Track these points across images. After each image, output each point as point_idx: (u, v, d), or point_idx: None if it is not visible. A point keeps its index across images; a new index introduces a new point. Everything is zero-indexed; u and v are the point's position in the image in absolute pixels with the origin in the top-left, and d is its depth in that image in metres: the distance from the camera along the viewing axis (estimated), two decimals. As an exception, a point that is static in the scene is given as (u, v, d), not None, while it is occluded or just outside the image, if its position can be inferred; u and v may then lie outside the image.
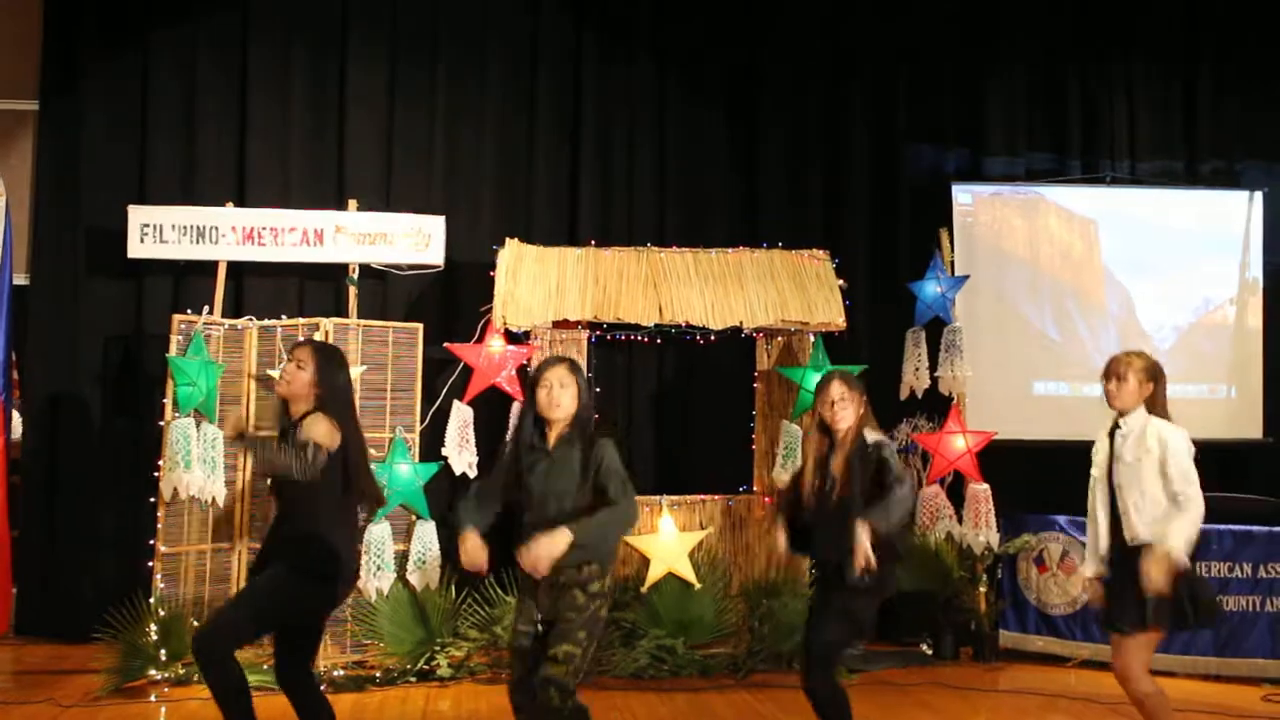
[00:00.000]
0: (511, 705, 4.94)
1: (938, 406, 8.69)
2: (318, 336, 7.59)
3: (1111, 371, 5.50)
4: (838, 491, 5.32)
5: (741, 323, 7.96)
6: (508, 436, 7.66)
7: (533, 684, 4.80)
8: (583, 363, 7.99)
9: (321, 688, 7.01)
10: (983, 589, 8.33)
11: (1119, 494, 5.39)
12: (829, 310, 8.07)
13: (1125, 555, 5.34)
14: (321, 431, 5.07)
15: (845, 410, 5.41)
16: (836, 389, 5.43)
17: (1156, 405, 5.45)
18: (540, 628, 4.93)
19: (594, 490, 4.86)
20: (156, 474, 7.54)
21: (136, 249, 8.04)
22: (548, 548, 4.70)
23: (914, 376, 8.73)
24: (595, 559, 4.86)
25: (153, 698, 7.02)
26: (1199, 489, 5.30)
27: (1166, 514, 5.25)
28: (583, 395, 5.01)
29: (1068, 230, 9.46)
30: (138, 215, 8.06)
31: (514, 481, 5.03)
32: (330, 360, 5.32)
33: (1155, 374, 5.48)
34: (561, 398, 4.95)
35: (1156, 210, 9.49)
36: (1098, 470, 5.52)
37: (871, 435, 5.39)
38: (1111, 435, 5.48)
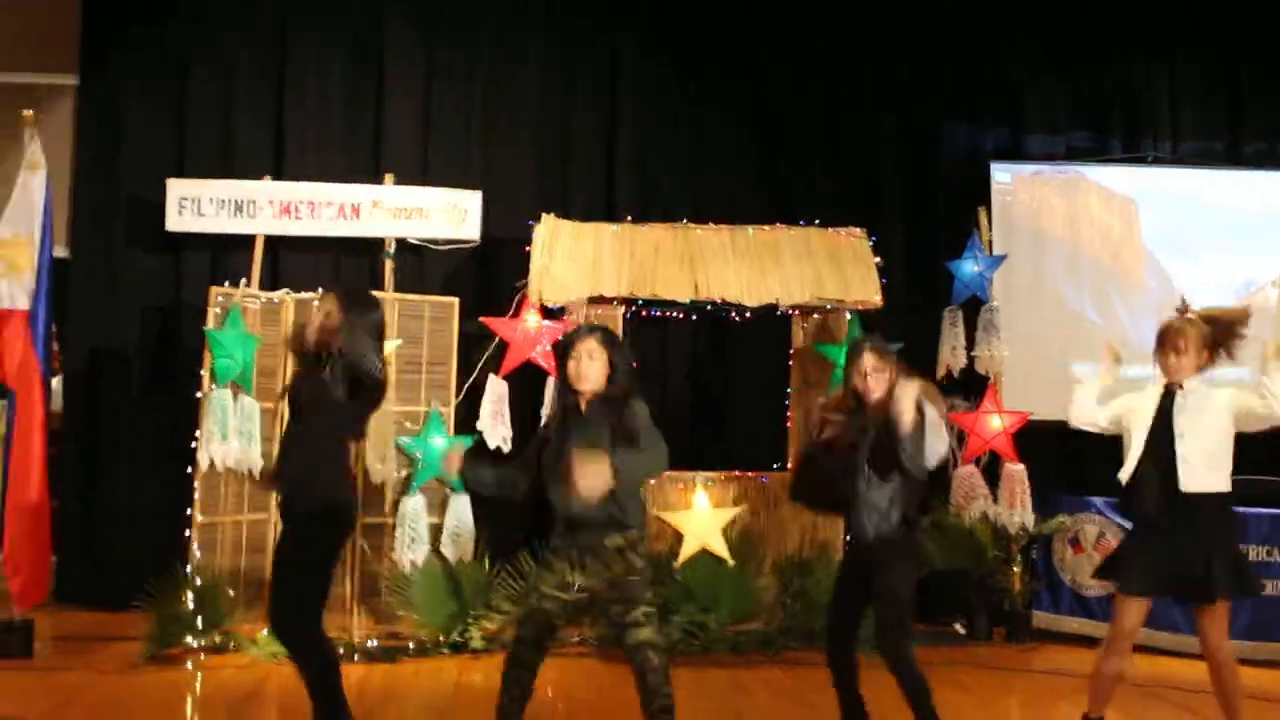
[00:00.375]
0: (510, 664, 5.05)
1: (974, 386, 8.65)
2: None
3: (1170, 344, 5.38)
4: (870, 456, 5.22)
5: (777, 300, 7.94)
6: (544, 412, 7.71)
7: (546, 645, 4.99)
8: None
9: (354, 658, 7.16)
10: (1017, 569, 8.30)
11: (1177, 443, 5.26)
12: (865, 288, 8.04)
13: (1180, 512, 5.24)
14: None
15: (879, 381, 5.30)
16: (870, 359, 5.32)
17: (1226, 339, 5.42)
18: (577, 594, 4.94)
19: (624, 440, 4.79)
20: (194, 445, 7.60)
21: (175, 222, 8.09)
22: (596, 468, 4.61)
23: (951, 356, 8.68)
24: (632, 524, 4.90)
25: (189, 665, 7.10)
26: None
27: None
28: (616, 367, 4.97)
29: (1107, 210, 9.37)
30: (176, 189, 8.11)
31: (544, 453, 5.02)
32: (358, 301, 5.32)
33: (1210, 341, 5.40)
34: (590, 370, 4.94)
35: (1198, 190, 9.40)
36: (1138, 418, 5.40)
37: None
38: (1168, 399, 5.37)
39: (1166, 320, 5.51)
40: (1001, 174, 9.25)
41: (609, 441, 4.79)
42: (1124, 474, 5.40)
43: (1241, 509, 7.56)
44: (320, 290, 7.95)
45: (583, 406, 4.99)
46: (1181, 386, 5.38)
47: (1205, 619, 5.31)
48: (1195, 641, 7.49)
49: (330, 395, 5.05)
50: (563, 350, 5.08)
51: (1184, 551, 5.23)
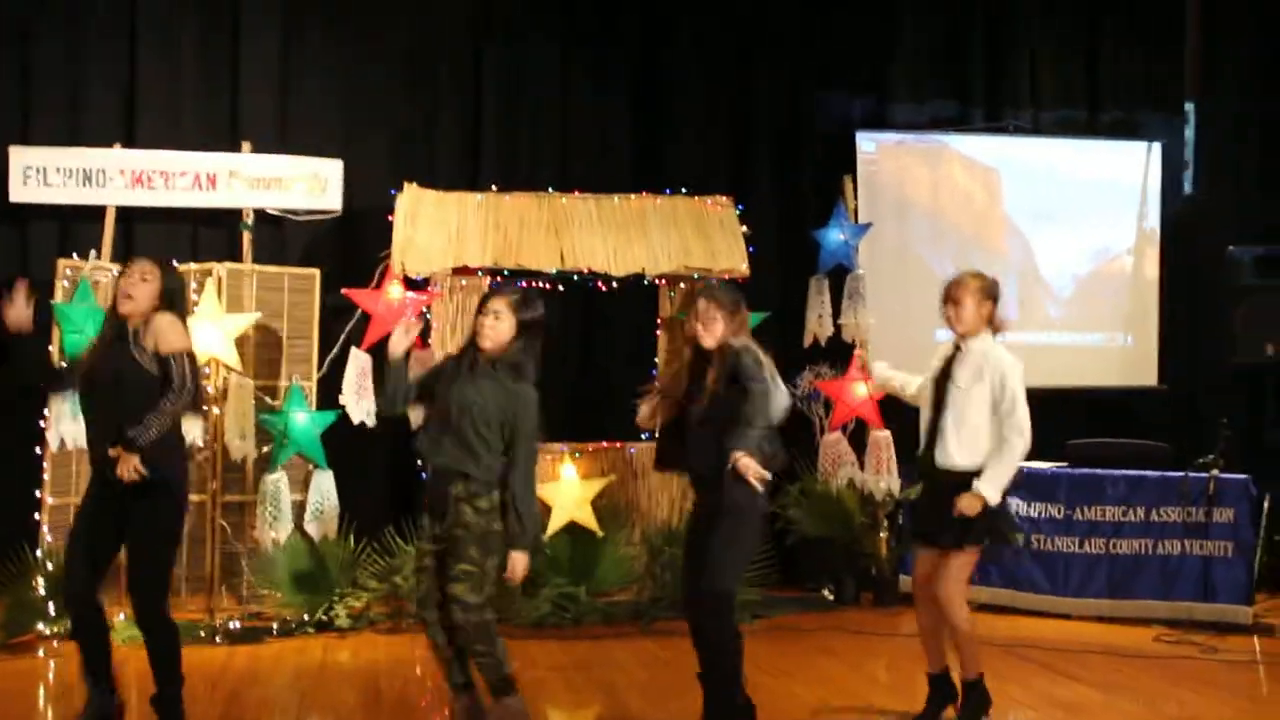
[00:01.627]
0: (426, 632, 5.14)
1: (841, 354, 8.71)
2: (209, 282, 7.40)
3: (948, 296, 5.47)
4: (706, 404, 5.18)
5: (644, 269, 7.91)
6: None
7: (440, 599, 5.03)
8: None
9: (216, 639, 6.99)
10: (884, 535, 8.40)
11: (943, 412, 5.38)
12: (732, 257, 8.04)
13: (936, 475, 5.40)
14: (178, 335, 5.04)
15: (713, 325, 5.21)
16: (702, 304, 5.26)
17: (996, 324, 5.47)
18: (438, 545, 5.06)
19: (506, 442, 5.04)
20: (43, 424, 7.32)
21: (19, 193, 7.77)
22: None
23: (817, 324, 8.73)
24: (479, 477, 5.01)
25: (40, 653, 6.85)
26: (1025, 432, 5.33)
27: (987, 451, 5.31)
28: (521, 332, 5.08)
29: (970, 179, 9.51)
30: (20, 157, 7.79)
31: (434, 384, 5.18)
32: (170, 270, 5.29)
33: (992, 293, 5.47)
34: (495, 329, 5.04)
35: (1058, 160, 9.59)
36: (928, 377, 5.55)
37: (738, 342, 5.21)
38: (952, 356, 5.47)
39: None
40: (867, 143, 9.32)
41: (489, 406, 4.99)
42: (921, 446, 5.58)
43: (1099, 470, 7.81)
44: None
45: (479, 362, 5.08)
46: (963, 343, 5.45)
47: (941, 562, 5.39)
48: (1057, 601, 7.74)
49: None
50: (480, 303, 5.18)
51: (935, 503, 5.40)
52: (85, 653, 5.12)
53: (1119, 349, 9.65)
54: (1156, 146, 9.70)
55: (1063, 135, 9.75)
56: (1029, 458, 8.04)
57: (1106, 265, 9.67)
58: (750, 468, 4.95)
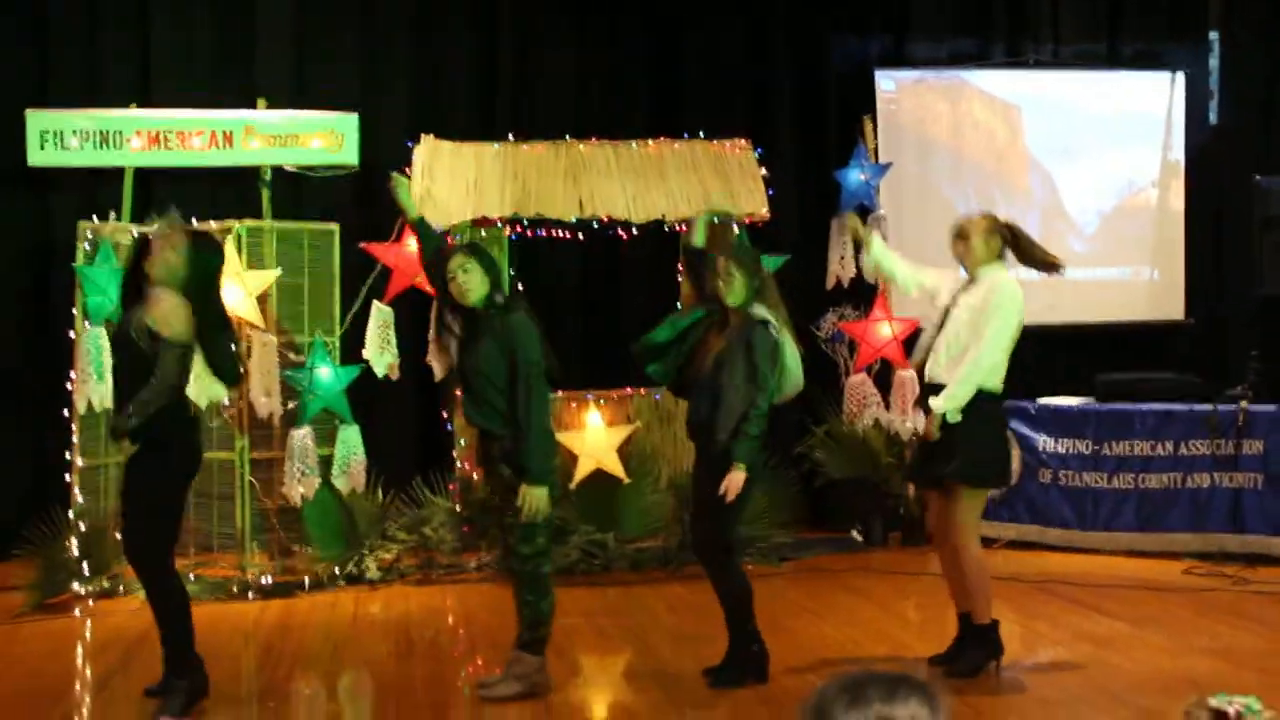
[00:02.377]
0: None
1: (864, 295, 8.65)
2: (230, 240, 7.40)
3: (958, 234, 5.44)
4: (710, 365, 5.23)
5: (664, 215, 7.87)
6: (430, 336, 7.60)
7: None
8: (504, 260, 7.88)
9: (249, 594, 7.05)
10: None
11: (940, 332, 5.37)
12: (752, 200, 7.99)
13: (926, 394, 5.38)
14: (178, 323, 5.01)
15: (734, 283, 5.22)
16: (723, 263, 5.29)
17: (1026, 257, 5.43)
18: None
19: (509, 364, 5.07)
20: (70, 386, 7.36)
21: (37, 156, 7.76)
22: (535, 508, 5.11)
23: (839, 265, 8.66)
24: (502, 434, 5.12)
25: (77, 612, 6.93)
26: (1000, 350, 5.24)
27: (951, 367, 5.26)
28: (491, 272, 5.16)
29: (991, 115, 9.41)
30: (37, 121, 7.76)
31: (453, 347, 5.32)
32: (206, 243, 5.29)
33: (1001, 231, 5.42)
34: (468, 283, 5.08)
35: (1079, 93, 9.47)
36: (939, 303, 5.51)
37: (760, 313, 5.24)
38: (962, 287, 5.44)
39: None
40: (886, 81, 9.22)
41: (497, 355, 5.06)
42: (913, 359, 5.62)
43: (1127, 405, 7.76)
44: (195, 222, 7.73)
45: (472, 322, 5.16)
46: (973, 279, 5.40)
47: (947, 505, 5.38)
48: (1086, 536, 7.73)
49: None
50: (438, 275, 5.27)
51: (930, 443, 5.35)
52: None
53: (1145, 283, 9.57)
54: (1180, 77, 9.56)
55: (1084, 68, 9.62)
56: (1056, 394, 8.14)
57: (1131, 199, 9.56)
58: (733, 488, 5.09)
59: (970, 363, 5.20)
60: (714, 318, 5.35)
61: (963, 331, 5.29)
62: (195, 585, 6.99)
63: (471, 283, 5.10)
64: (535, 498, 5.03)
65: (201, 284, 5.11)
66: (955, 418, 5.19)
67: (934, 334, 5.44)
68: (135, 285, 5.14)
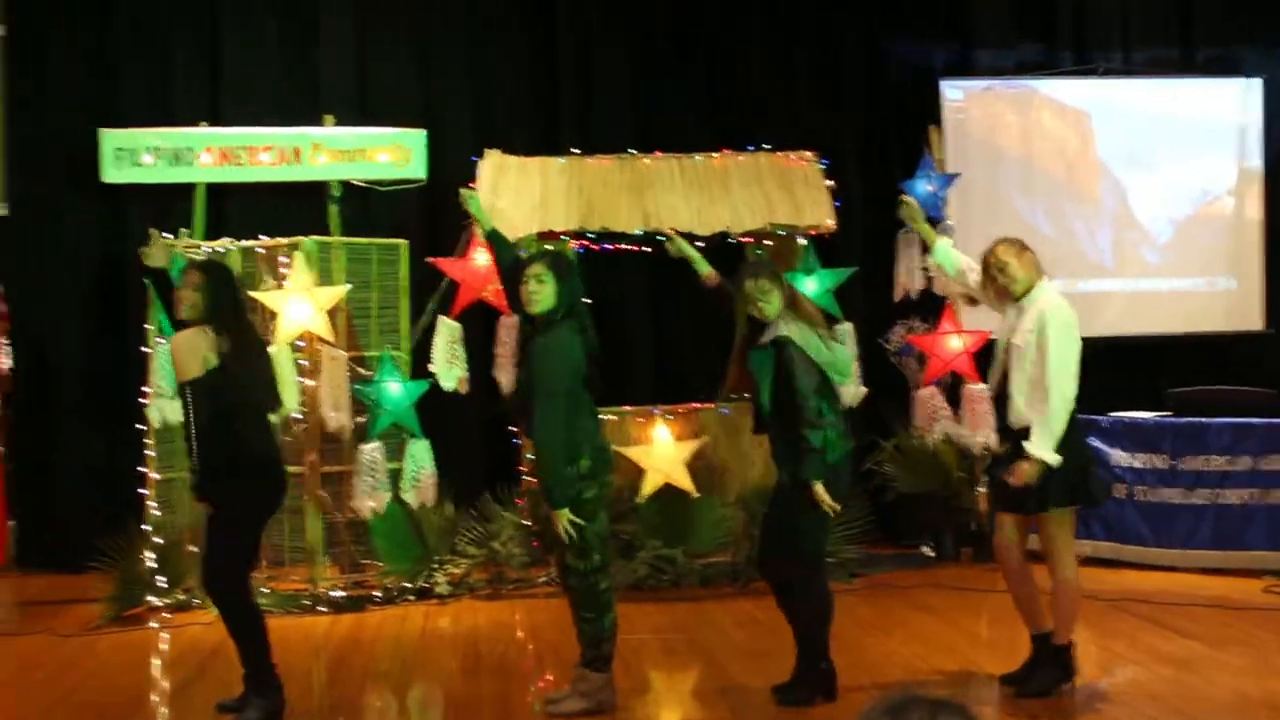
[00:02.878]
0: None
1: (932, 307, 8.58)
2: (299, 256, 7.47)
3: (990, 267, 5.31)
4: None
5: (728, 228, 7.85)
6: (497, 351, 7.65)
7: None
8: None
9: (320, 608, 7.10)
10: (982, 489, 8.28)
11: (1009, 374, 5.23)
12: (818, 212, 7.95)
13: (1012, 438, 5.24)
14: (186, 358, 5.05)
15: (771, 299, 5.20)
16: (751, 285, 5.23)
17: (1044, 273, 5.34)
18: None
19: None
20: (144, 401, 7.46)
21: (111, 173, 7.89)
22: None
23: (907, 277, 8.58)
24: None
25: (152, 624, 7.01)
26: (1071, 377, 5.14)
27: (1031, 404, 5.15)
28: (563, 289, 5.11)
29: (1061, 124, 9.30)
30: (111, 140, 7.90)
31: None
32: (213, 272, 5.29)
33: (1025, 245, 5.35)
34: (538, 293, 5.08)
35: (1152, 100, 9.33)
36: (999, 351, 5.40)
37: (785, 328, 5.20)
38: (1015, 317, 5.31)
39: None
40: (953, 91, 9.15)
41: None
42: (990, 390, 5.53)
43: (1203, 419, 7.60)
44: (264, 237, 7.81)
45: (530, 335, 5.21)
46: (1020, 307, 5.27)
47: (1043, 530, 5.31)
48: (1162, 554, 7.58)
49: None
50: (512, 277, 5.33)
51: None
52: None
53: (1221, 293, 9.39)
54: (1256, 82, 9.39)
55: (1156, 75, 9.48)
56: (1130, 408, 8.00)
57: (1206, 207, 9.41)
58: (824, 501, 5.06)
59: (1051, 403, 5.08)
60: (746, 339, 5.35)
61: (1031, 369, 5.16)
62: (267, 598, 7.06)
63: (541, 294, 5.09)
64: (559, 518, 5.01)
65: (229, 311, 5.15)
66: (1057, 460, 5.09)
67: (998, 379, 5.32)
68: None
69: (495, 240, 5.68)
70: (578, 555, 5.10)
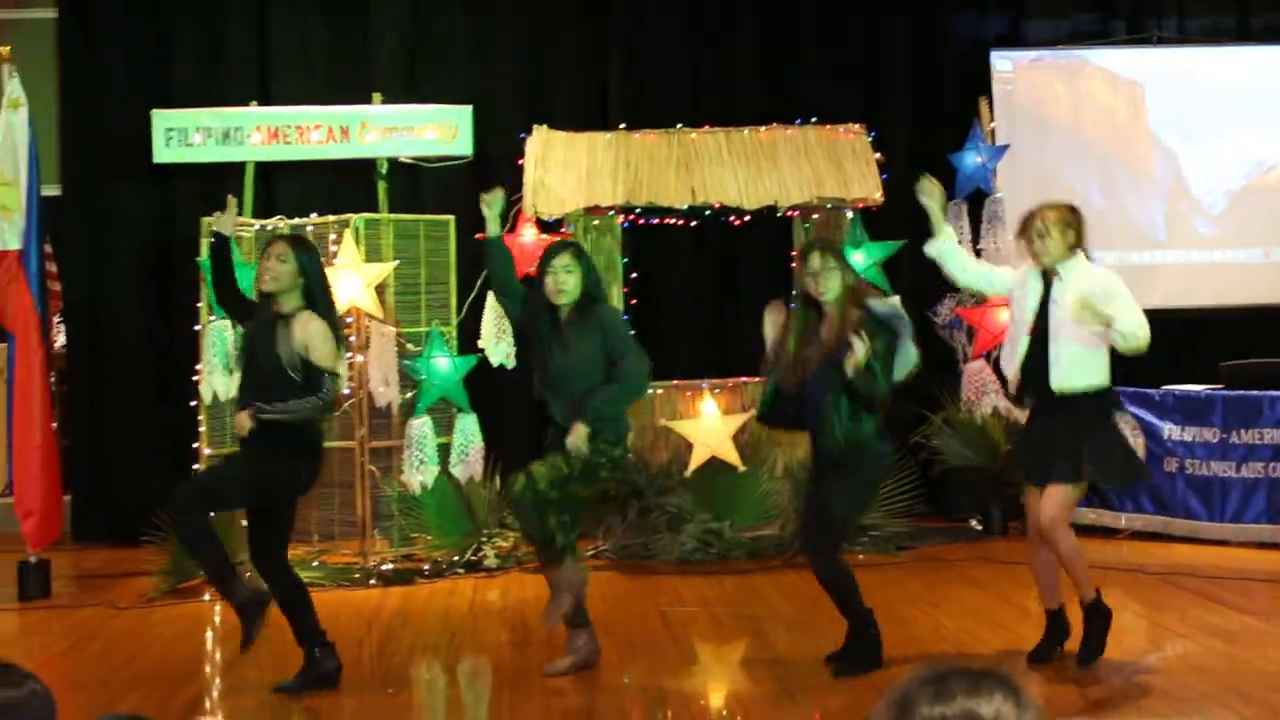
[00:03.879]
0: None
1: (982, 280, 8.51)
2: (348, 233, 7.52)
3: (1031, 229, 5.21)
4: (822, 355, 5.17)
5: (776, 201, 7.83)
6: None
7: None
8: (618, 250, 7.91)
9: (370, 582, 7.17)
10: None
11: (1051, 339, 5.14)
12: (866, 185, 7.91)
13: (1052, 405, 5.17)
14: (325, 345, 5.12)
15: (829, 280, 5.18)
16: (816, 260, 5.22)
17: (1085, 248, 5.26)
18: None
19: (607, 361, 5.19)
20: (196, 378, 7.56)
21: (162, 153, 7.96)
22: (576, 442, 5.14)
23: (956, 250, 8.53)
24: (610, 430, 5.20)
25: (205, 597, 7.10)
26: (1139, 314, 5.11)
27: (1102, 369, 5.15)
28: (588, 278, 5.23)
29: (1112, 94, 9.18)
30: (162, 120, 7.96)
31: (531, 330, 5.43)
32: (309, 250, 5.32)
33: (1074, 221, 5.24)
34: (567, 283, 5.16)
35: (1206, 70, 9.19)
36: (1021, 316, 5.29)
37: (875, 303, 5.28)
38: (1047, 284, 5.23)
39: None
40: (1002, 62, 9.05)
41: (590, 354, 5.16)
42: (1009, 368, 5.35)
43: (1256, 392, 7.52)
44: (314, 215, 7.87)
45: (563, 320, 5.23)
46: (1057, 273, 5.20)
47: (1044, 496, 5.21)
48: (1214, 528, 7.51)
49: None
50: (539, 268, 5.32)
51: (1049, 435, 5.19)
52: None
53: (1276, 264, 9.25)
54: (1315, 49, 9.23)
55: (1211, 43, 9.33)
56: (1183, 381, 7.92)
57: (1262, 177, 9.26)
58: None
59: (1141, 332, 5.06)
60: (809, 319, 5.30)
61: (1080, 332, 5.08)
62: (318, 571, 7.16)
63: (569, 284, 5.18)
64: (578, 432, 5.10)
65: (323, 289, 5.24)
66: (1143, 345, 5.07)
67: (1031, 345, 5.21)
68: (234, 293, 5.41)
69: (495, 250, 5.56)
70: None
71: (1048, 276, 5.23)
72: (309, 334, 5.08)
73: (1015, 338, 5.31)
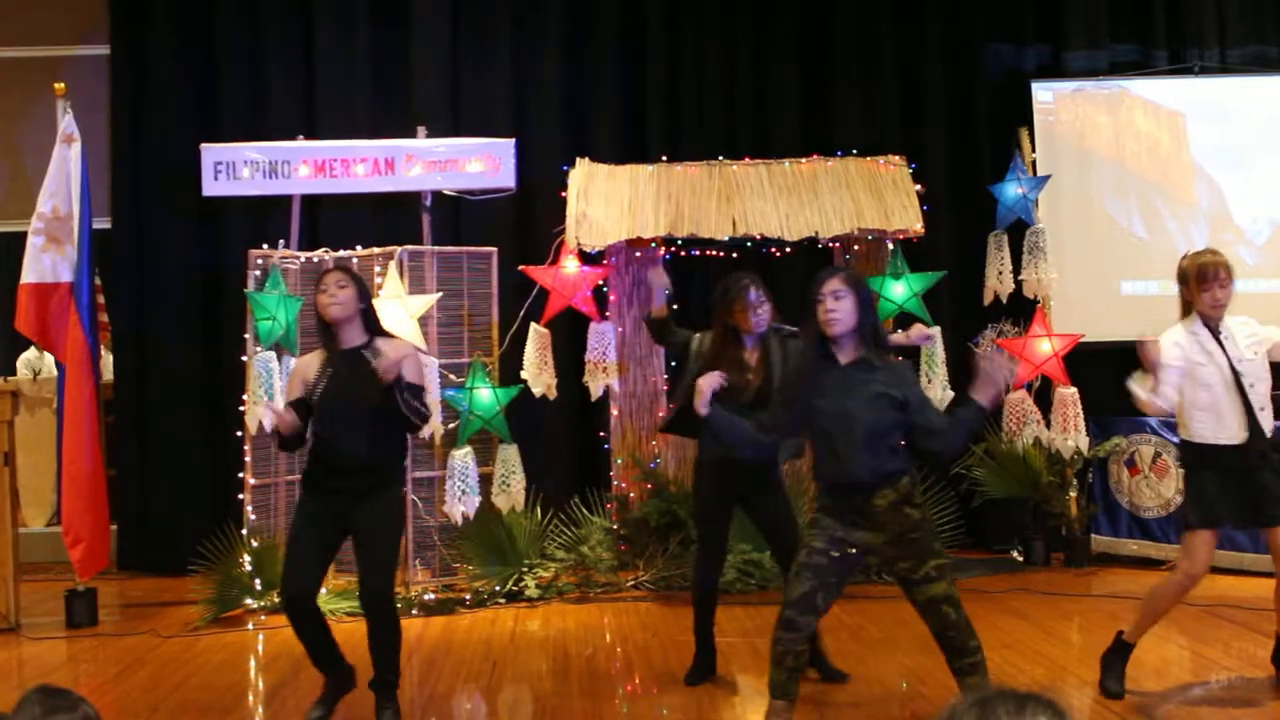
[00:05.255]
0: (786, 624, 4.66)
1: (1023, 311, 8.51)
2: (392, 264, 7.61)
3: (1219, 278, 5.22)
4: (755, 385, 5.55)
5: (817, 232, 7.86)
6: (589, 358, 7.70)
7: (817, 603, 4.61)
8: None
9: (413, 611, 7.21)
10: (1073, 494, 8.21)
11: (1248, 388, 5.20)
12: (906, 216, 7.92)
13: (1263, 452, 5.22)
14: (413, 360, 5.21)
15: (764, 314, 5.67)
16: (755, 294, 5.69)
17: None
18: (852, 550, 4.62)
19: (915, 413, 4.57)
20: (242, 409, 7.65)
21: (211, 187, 8.09)
22: None
23: (997, 281, 8.53)
24: (906, 470, 4.63)
25: (250, 626, 7.18)
26: None
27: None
28: (864, 307, 4.61)
29: (1154, 124, 9.16)
30: (211, 154, 8.10)
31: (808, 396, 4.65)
32: (363, 280, 5.39)
33: None
34: (838, 309, 4.54)
35: (1248, 98, 9.15)
36: (1220, 376, 5.25)
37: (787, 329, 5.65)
38: (1217, 338, 5.27)
39: (1201, 257, 5.33)
40: (1043, 93, 9.06)
41: (880, 396, 4.52)
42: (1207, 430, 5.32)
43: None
44: (359, 247, 7.96)
45: (840, 356, 4.60)
46: (1222, 319, 5.30)
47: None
48: (1259, 559, 7.43)
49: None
50: (811, 296, 4.63)
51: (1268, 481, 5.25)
52: (313, 648, 5.25)
53: (1323, 293, 9.18)
54: (1356, 77, 9.18)
55: (1253, 73, 9.30)
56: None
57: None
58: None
59: None
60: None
61: (1265, 373, 5.29)
62: (345, 600, 7.21)
63: (840, 311, 4.55)
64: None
65: (373, 313, 5.30)
66: None
67: (1234, 397, 5.22)
68: (338, 359, 5.21)
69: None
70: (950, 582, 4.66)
71: (1215, 335, 5.28)
72: (413, 363, 5.20)
73: (1217, 400, 5.25)
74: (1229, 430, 5.22)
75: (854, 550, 4.62)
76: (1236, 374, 5.22)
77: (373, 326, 5.26)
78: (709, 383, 4.67)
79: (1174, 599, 5.39)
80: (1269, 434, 5.23)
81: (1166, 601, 5.38)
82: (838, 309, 4.53)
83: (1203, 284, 5.26)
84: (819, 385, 4.59)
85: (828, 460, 4.62)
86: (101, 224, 8.60)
